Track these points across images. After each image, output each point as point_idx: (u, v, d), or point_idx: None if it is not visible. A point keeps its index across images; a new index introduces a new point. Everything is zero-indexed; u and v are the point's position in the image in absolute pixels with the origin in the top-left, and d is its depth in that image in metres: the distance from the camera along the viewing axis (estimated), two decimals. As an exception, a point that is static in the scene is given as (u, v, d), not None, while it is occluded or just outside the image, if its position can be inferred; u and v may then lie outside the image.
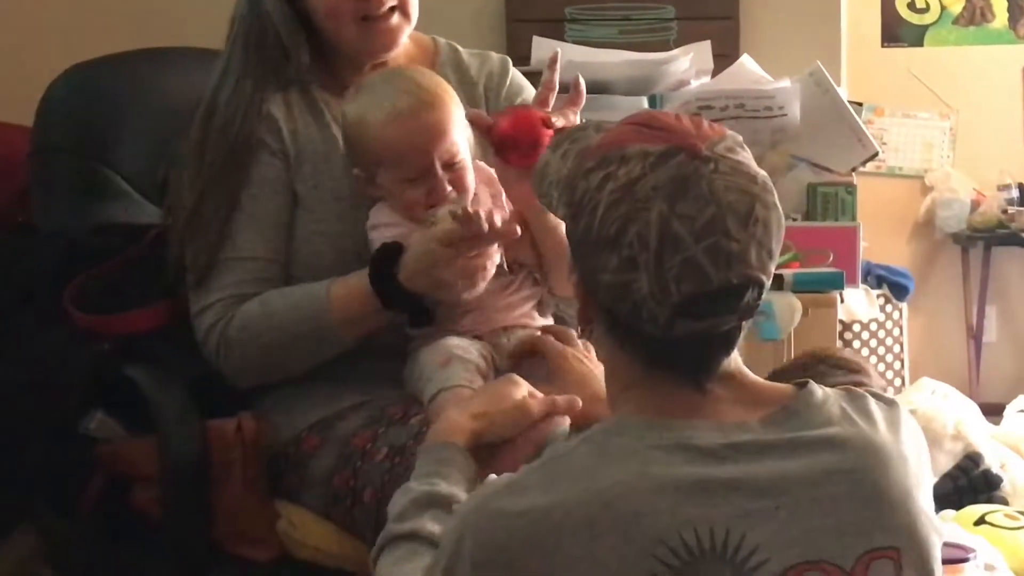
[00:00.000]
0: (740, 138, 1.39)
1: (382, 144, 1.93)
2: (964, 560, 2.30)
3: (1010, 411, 4.03)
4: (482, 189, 1.99)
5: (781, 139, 3.27)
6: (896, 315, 4.69)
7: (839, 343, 3.55)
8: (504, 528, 1.32)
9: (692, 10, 3.89)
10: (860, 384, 2.58)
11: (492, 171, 1.98)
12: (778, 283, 2.81)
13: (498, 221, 1.84)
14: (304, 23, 2.07)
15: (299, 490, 2.02)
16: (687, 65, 3.35)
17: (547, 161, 1.49)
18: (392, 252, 1.92)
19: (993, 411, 4.07)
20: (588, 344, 1.92)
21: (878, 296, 4.47)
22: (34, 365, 2.13)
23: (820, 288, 2.94)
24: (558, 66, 1.95)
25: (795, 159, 3.29)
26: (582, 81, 1.92)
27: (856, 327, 4.56)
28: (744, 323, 1.38)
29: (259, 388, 2.06)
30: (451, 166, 1.94)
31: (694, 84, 3.36)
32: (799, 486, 1.34)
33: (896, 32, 5.56)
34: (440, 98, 1.95)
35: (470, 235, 1.83)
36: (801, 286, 2.88)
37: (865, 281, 3.91)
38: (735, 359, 1.41)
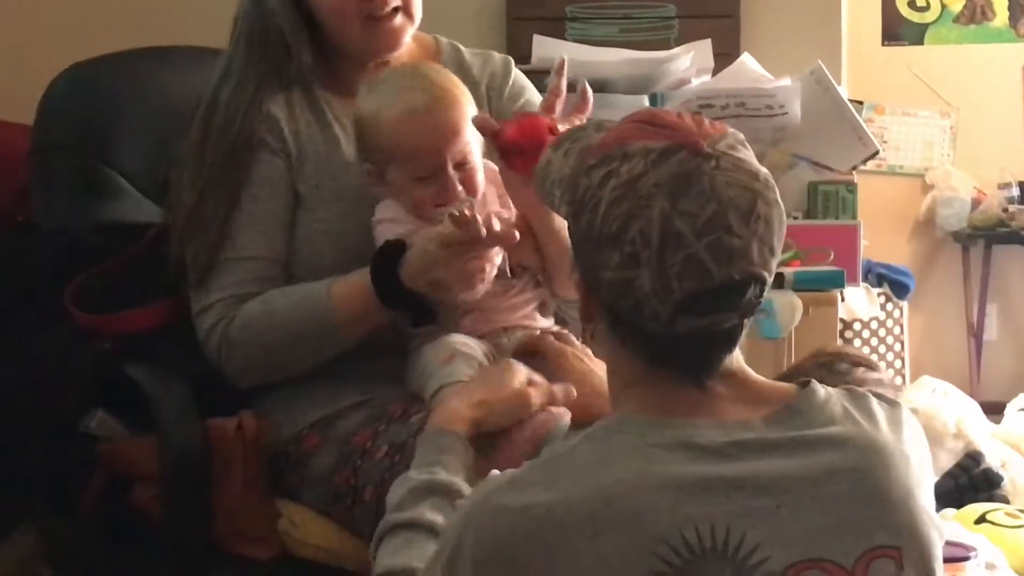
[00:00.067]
0: (742, 136, 1.39)
1: (395, 141, 1.93)
2: (965, 559, 2.30)
3: (1011, 409, 4.04)
4: (489, 189, 1.99)
5: (782, 138, 3.27)
6: (897, 313, 4.69)
7: (839, 341, 3.55)
8: (506, 524, 1.32)
9: (693, 9, 3.89)
10: (880, 382, 2.60)
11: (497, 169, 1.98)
12: (779, 281, 2.81)
13: (497, 225, 1.83)
14: (307, 22, 2.07)
15: (300, 489, 2.02)
16: (688, 64, 3.35)
17: (549, 160, 1.49)
18: (394, 250, 1.91)
19: (994, 409, 4.07)
20: (586, 347, 1.93)
21: (879, 294, 4.47)
22: (34, 364, 2.13)
23: (821, 286, 2.94)
24: (565, 72, 1.94)
25: (796, 157, 3.29)
26: (588, 88, 1.91)
27: (857, 325, 4.56)
28: (746, 320, 1.38)
29: (260, 387, 2.06)
30: (462, 166, 1.94)
31: (695, 83, 3.35)
32: (801, 485, 1.34)
33: (897, 30, 5.56)
34: (456, 98, 1.95)
35: (467, 238, 1.83)
36: (802, 284, 2.88)
37: (866, 279, 3.91)
38: (737, 357, 1.41)
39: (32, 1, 3.95)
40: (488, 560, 1.32)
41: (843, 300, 3.11)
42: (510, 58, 2.25)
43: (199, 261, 2.03)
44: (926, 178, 5.56)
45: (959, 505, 3.04)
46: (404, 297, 1.91)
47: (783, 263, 2.85)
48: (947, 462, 3.40)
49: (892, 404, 1.45)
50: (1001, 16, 5.55)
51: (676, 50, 3.42)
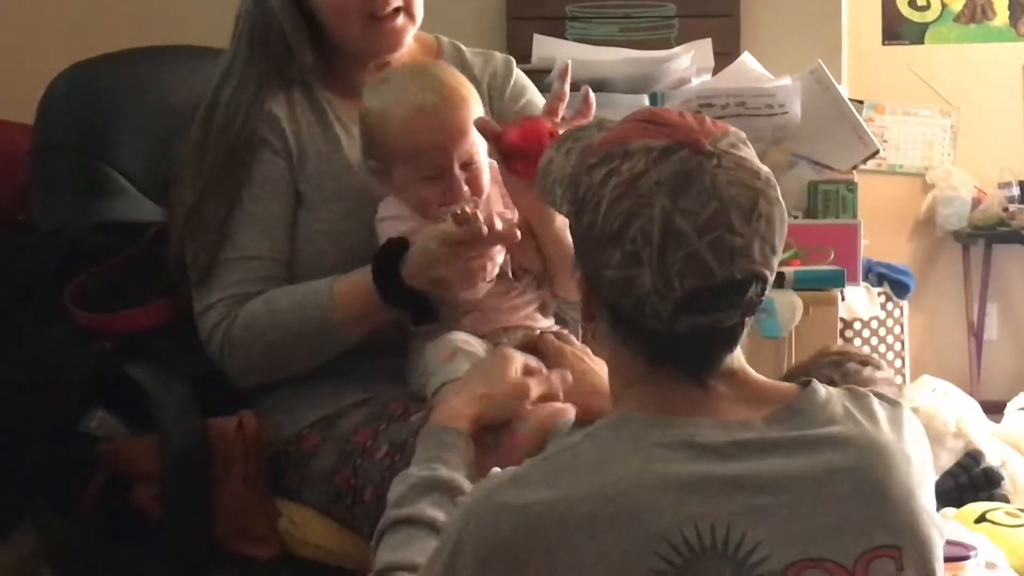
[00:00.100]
0: (743, 135, 1.39)
1: (402, 139, 1.92)
2: (965, 558, 2.30)
3: (1011, 409, 4.04)
4: (493, 189, 1.98)
5: (782, 137, 3.27)
6: (897, 313, 4.69)
7: (840, 341, 3.55)
8: (507, 521, 1.32)
9: (693, 8, 3.89)
10: (887, 381, 2.62)
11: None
12: (779, 281, 2.81)
13: (498, 225, 1.83)
14: (308, 22, 2.07)
15: (300, 488, 2.02)
16: (688, 63, 3.35)
17: (550, 159, 1.49)
18: (396, 248, 1.91)
19: (994, 409, 4.08)
20: (586, 346, 1.93)
21: (879, 294, 4.47)
22: (35, 364, 2.13)
23: (821, 286, 2.94)
24: (568, 76, 1.94)
25: (796, 157, 3.29)
26: (591, 93, 1.91)
27: (857, 325, 4.56)
28: (747, 319, 1.38)
29: (260, 386, 2.06)
30: (468, 166, 1.94)
31: (695, 82, 3.35)
32: (801, 484, 1.34)
33: (897, 30, 5.56)
34: (464, 98, 1.95)
35: (469, 237, 1.83)
36: (802, 284, 2.88)
37: (866, 279, 3.91)
38: (738, 357, 1.41)
39: (32, 1, 3.95)
40: (489, 557, 1.32)
41: (843, 299, 3.11)
42: (511, 58, 2.25)
43: (200, 261, 2.03)
44: (926, 177, 5.56)
45: (959, 504, 3.04)
46: (405, 295, 1.91)
47: (783, 262, 2.85)
48: (947, 461, 3.40)
49: (893, 404, 1.45)
50: (1001, 15, 5.55)
51: (676, 49, 3.42)
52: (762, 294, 1.36)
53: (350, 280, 1.97)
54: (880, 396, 1.45)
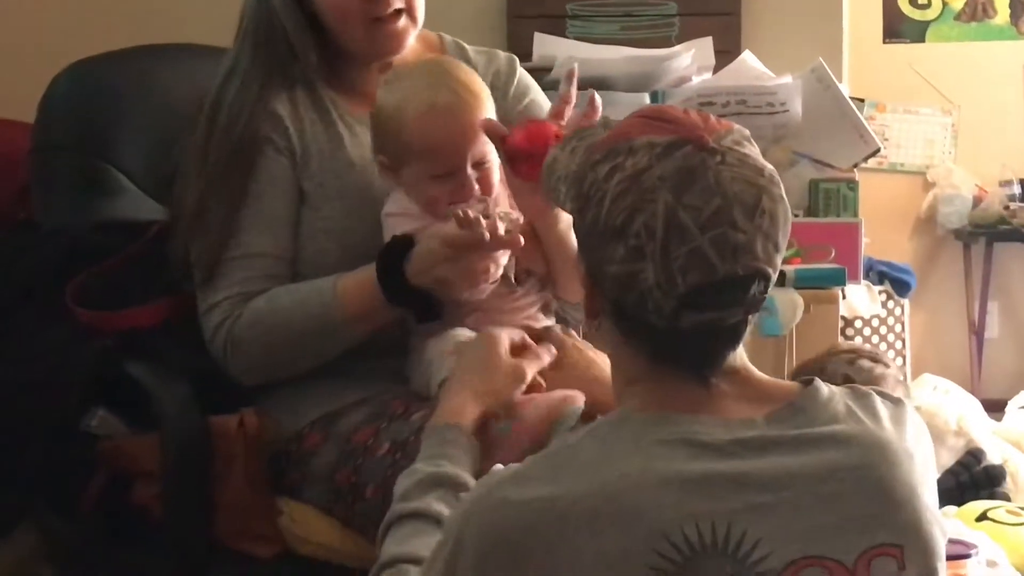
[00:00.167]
0: (747, 132, 1.39)
1: (416, 137, 1.92)
2: (966, 556, 2.30)
3: (1012, 407, 4.04)
4: (502, 188, 1.98)
5: (783, 135, 3.27)
6: (898, 311, 4.69)
7: (840, 339, 3.55)
8: (507, 518, 1.32)
9: (693, 6, 3.89)
10: (896, 378, 2.63)
11: None
12: (780, 279, 2.81)
13: (501, 229, 1.83)
14: (311, 22, 2.06)
15: (301, 486, 2.02)
16: (689, 61, 3.35)
17: (555, 157, 1.49)
18: (401, 246, 1.91)
19: (995, 407, 4.08)
20: (587, 341, 1.94)
21: (880, 292, 4.47)
22: (35, 362, 2.13)
23: (822, 284, 2.94)
24: (575, 80, 1.93)
25: (797, 155, 3.29)
26: (597, 97, 1.90)
27: (858, 323, 4.56)
28: (750, 317, 1.38)
29: (261, 385, 2.06)
30: (480, 165, 1.94)
31: (696, 80, 3.35)
32: (803, 482, 1.34)
33: (898, 28, 5.56)
34: (479, 97, 1.95)
35: (470, 241, 1.83)
36: (803, 282, 2.88)
37: (867, 277, 3.91)
38: (740, 355, 1.41)
39: (33, 0, 3.95)
40: (489, 553, 1.32)
41: (844, 298, 3.11)
42: (515, 56, 2.25)
43: (204, 259, 2.03)
44: (927, 176, 5.56)
45: (960, 503, 3.04)
46: (409, 293, 1.91)
47: (784, 260, 2.85)
48: (948, 460, 3.40)
49: (896, 402, 1.45)
50: (1002, 14, 5.55)
51: (677, 48, 3.42)
52: (765, 291, 1.36)
53: (354, 278, 1.96)
54: (882, 394, 1.45)
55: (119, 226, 2.25)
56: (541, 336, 1.94)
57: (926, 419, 1.52)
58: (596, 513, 1.30)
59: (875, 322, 4.63)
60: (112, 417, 2.08)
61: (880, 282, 4.56)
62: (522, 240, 1.85)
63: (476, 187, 1.93)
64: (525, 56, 3.20)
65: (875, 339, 4.64)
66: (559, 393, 1.80)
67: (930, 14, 5.55)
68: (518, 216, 1.92)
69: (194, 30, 2.64)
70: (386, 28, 2.05)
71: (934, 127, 5.56)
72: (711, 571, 1.30)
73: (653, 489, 1.30)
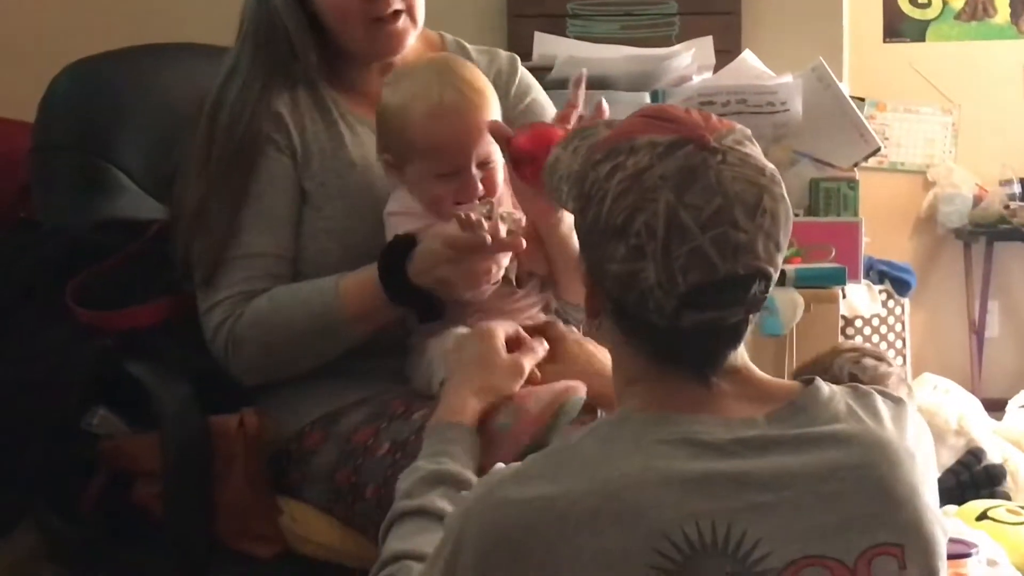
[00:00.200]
0: (749, 132, 1.39)
1: (421, 136, 1.92)
2: (966, 555, 2.30)
3: (1012, 406, 4.04)
4: (505, 189, 1.98)
5: (783, 134, 3.27)
6: (898, 310, 4.69)
7: (841, 339, 3.55)
8: (508, 516, 1.32)
9: (694, 5, 3.89)
10: (900, 377, 2.63)
11: None
12: (780, 278, 2.81)
13: (503, 232, 1.83)
14: (311, 22, 2.06)
15: (301, 486, 2.02)
16: (689, 60, 3.35)
17: (557, 157, 1.50)
18: (403, 245, 1.91)
19: (995, 406, 4.08)
20: (587, 338, 1.94)
21: (880, 291, 4.47)
22: (36, 362, 2.13)
23: (822, 283, 2.94)
24: (584, 85, 1.92)
25: (797, 154, 3.29)
26: (605, 103, 1.90)
27: (858, 322, 4.56)
28: (751, 316, 1.38)
29: (262, 384, 2.06)
30: (485, 165, 1.94)
31: (696, 80, 3.35)
32: (804, 481, 1.34)
33: (898, 27, 5.56)
34: (486, 97, 1.94)
35: (472, 243, 1.83)
36: (803, 281, 2.88)
37: (867, 276, 3.91)
38: (741, 354, 1.41)
39: (33, -1, 3.96)
40: (490, 552, 1.32)
41: (844, 297, 3.11)
42: (516, 56, 2.25)
43: (205, 259, 2.03)
44: (927, 175, 5.56)
45: (960, 502, 3.04)
46: (411, 293, 1.91)
47: (784, 260, 2.85)
48: (948, 459, 3.40)
49: (897, 401, 1.45)
50: (1003, 13, 5.54)
51: (677, 47, 3.42)
52: (766, 291, 1.36)
53: (356, 277, 1.96)
54: (883, 393, 1.45)
55: (119, 225, 2.25)
56: (540, 329, 1.94)
57: (926, 418, 1.52)
58: (596, 512, 1.30)
59: (875, 321, 4.63)
60: (112, 416, 2.08)
61: (880, 281, 4.56)
62: (524, 242, 1.85)
63: (480, 187, 1.93)
64: (525, 55, 3.20)
65: (875, 338, 4.64)
66: (561, 384, 1.79)
67: (930, 13, 5.55)
68: (521, 217, 1.92)
69: (194, 29, 2.64)
70: (386, 28, 2.04)
71: (934, 126, 5.56)
72: (711, 570, 1.30)
73: (654, 488, 1.30)
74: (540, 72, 2.62)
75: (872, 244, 3.83)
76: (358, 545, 1.94)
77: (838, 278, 2.96)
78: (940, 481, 1.50)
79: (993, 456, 3.45)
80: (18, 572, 2.30)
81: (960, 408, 3.67)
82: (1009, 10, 5.54)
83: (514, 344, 1.86)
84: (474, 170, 1.92)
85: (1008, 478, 3.37)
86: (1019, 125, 5.51)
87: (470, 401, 1.74)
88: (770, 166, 1.37)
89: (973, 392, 4.19)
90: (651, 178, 1.33)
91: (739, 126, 1.39)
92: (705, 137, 1.34)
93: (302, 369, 2.03)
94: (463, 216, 1.82)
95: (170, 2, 3.89)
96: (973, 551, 2.32)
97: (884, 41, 5.56)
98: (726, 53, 3.53)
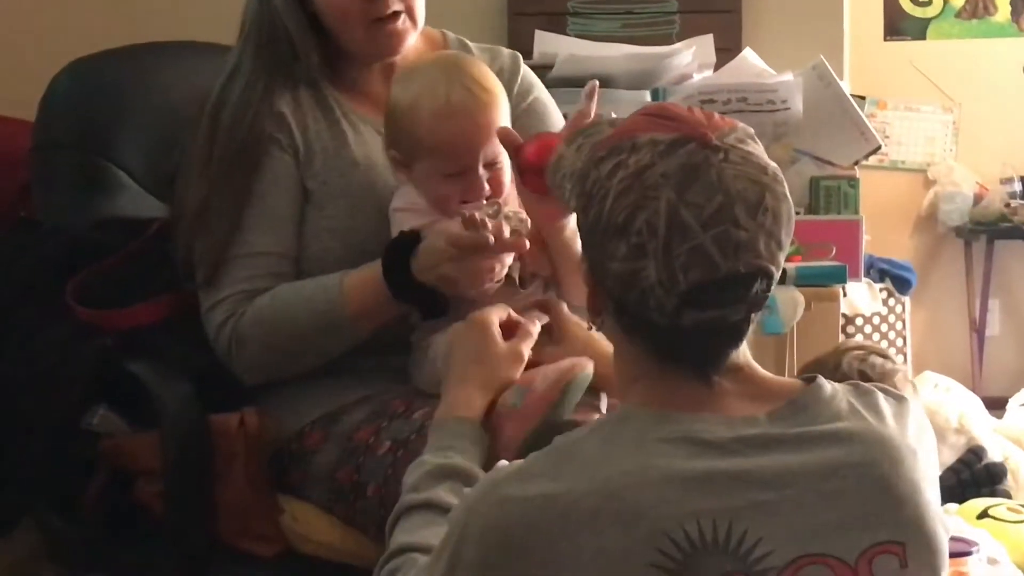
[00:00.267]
0: (751, 130, 1.39)
1: (430, 134, 1.91)
2: (967, 553, 2.30)
3: (1013, 405, 4.04)
4: (511, 189, 1.98)
5: (784, 133, 3.26)
6: (899, 309, 4.69)
7: (841, 337, 3.55)
8: (510, 514, 1.32)
9: (694, 4, 3.89)
10: (903, 375, 2.64)
11: None
12: (781, 277, 2.80)
13: (507, 233, 1.83)
14: (312, 22, 2.06)
15: (302, 485, 2.02)
16: (689, 59, 3.34)
17: (561, 154, 1.50)
18: (407, 242, 1.91)
19: (996, 405, 4.08)
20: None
21: (881, 290, 4.47)
22: (36, 361, 2.13)
23: (823, 282, 2.94)
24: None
25: (798, 153, 3.29)
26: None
27: (859, 321, 4.57)
28: (753, 315, 1.38)
29: (263, 383, 2.06)
30: (492, 165, 1.93)
31: (696, 78, 3.35)
32: (805, 480, 1.34)
33: (899, 25, 5.55)
34: (495, 97, 1.94)
35: (475, 243, 1.83)
36: (804, 280, 2.88)
37: (868, 275, 3.91)
38: (744, 352, 1.41)
39: (33, -2, 3.96)
40: (492, 549, 1.33)
41: (845, 295, 3.11)
42: (518, 54, 2.24)
43: (208, 258, 2.03)
44: (928, 173, 5.56)
45: (961, 500, 3.04)
46: (415, 290, 1.91)
47: (785, 258, 2.85)
48: (949, 457, 3.40)
49: (899, 399, 1.45)
50: (1003, 11, 5.54)
51: (678, 45, 3.42)
52: (767, 290, 1.36)
53: (360, 275, 1.96)
54: (885, 391, 1.45)
55: (120, 224, 2.25)
56: (539, 304, 1.93)
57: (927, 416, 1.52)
58: (598, 511, 1.30)
59: (876, 320, 4.63)
60: (113, 415, 2.08)
61: (881, 280, 4.57)
62: (528, 244, 1.85)
63: (487, 187, 1.92)
64: (526, 54, 3.19)
65: (876, 337, 4.64)
66: (568, 361, 1.78)
67: (931, 11, 5.55)
68: (526, 217, 1.92)
69: (195, 28, 2.63)
70: (386, 29, 2.04)
71: (935, 124, 5.55)
72: (712, 569, 1.30)
73: (655, 487, 1.30)
74: (541, 70, 2.62)
75: (873, 242, 3.83)
76: (359, 544, 1.94)
77: (839, 276, 2.96)
78: (941, 479, 1.50)
79: (994, 454, 3.45)
80: (18, 572, 2.30)
81: (961, 406, 3.67)
82: (1010, 8, 5.54)
83: (509, 328, 1.84)
84: (481, 170, 1.92)
85: (1009, 476, 3.37)
86: (1020, 123, 5.51)
87: (475, 395, 1.74)
88: (772, 164, 1.37)
89: (974, 390, 4.19)
90: (652, 176, 1.33)
91: (741, 124, 1.39)
92: (707, 135, 1.34)
93: (306, 367, 2.02)
94: (468, 215, 1.82)
95: (170, 1, 3.89)
96: (974, 549, 2.32)
97: (885, 39, 5.55)
98: (727, 51, 3.53)
